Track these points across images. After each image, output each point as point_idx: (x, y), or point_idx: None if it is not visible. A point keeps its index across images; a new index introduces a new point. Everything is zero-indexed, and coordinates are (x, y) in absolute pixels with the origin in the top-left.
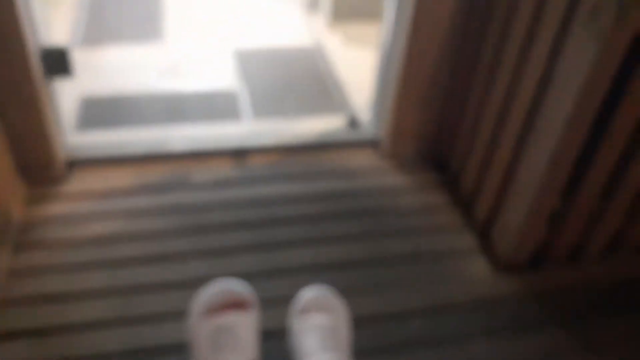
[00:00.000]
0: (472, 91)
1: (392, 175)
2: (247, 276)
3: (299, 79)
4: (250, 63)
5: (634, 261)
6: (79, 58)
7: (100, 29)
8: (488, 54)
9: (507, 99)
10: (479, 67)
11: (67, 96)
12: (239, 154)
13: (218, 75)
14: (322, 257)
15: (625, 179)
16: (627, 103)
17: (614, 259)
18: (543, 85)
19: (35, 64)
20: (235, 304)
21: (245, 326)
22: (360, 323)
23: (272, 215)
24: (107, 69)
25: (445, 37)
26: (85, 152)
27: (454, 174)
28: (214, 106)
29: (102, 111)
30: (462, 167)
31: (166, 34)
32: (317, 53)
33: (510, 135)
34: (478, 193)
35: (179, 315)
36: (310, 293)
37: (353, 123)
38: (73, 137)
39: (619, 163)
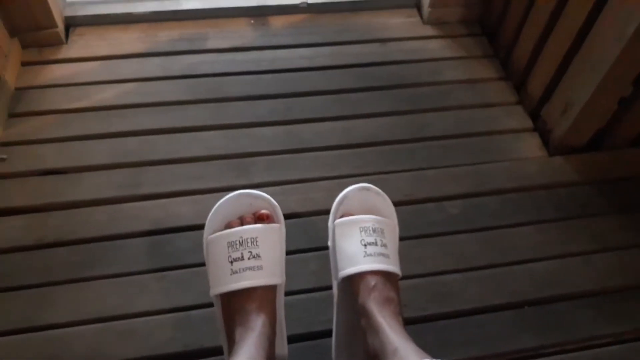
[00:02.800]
0: None
1: (433, 43)
2: (270, 152)
3: None
4: None
5: None
6: None
7: None
8: None
9: None
10: None
11: None
12: (260, 15)
13: None
14: (353, 132)
15: None
16: None
17: None
18: None
19: None
20: (257, 217)
21: (269, 241)
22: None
23: (297, 85)
24: None
25: None
26: (86, 11)
27: (505, 44)
28: None
29: None
30: (515, 36)
31: None
32: None
33: (580, 3)
34: (533, 66)
35: (196, 192)
36: (352, 192)
37: None
38: None
39: None
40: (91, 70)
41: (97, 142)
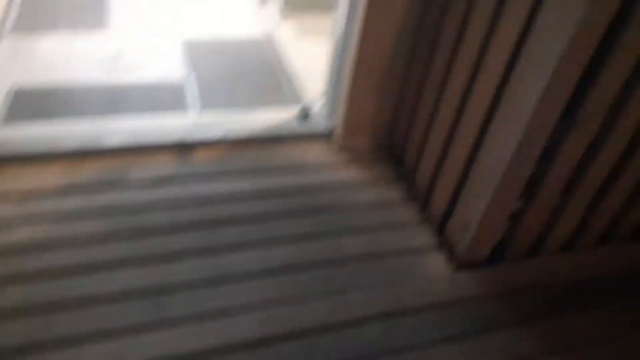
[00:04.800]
0: (429, 81)
1: (345, 170)
2: (189, 285)
3: (250, 71)
4: (199, 54)
5: (593, 255)
6: (10, 46)
7: (36, 15)
8: (448, 40)
9: (468, 87)
10: (436, 56)
11: None
12: (182, 149)
13: (165, 66)
14: (272, 260)
15: (588, 173)
16: (599, 87)
17: (574, 254)
18: (510, 66)
19: None
20: None
21: None
22: (314, 333)
23: (218, 216)
24: (44, 59)
25: (400, 26)
26: (10, 148)
27: (410, 168)
28: (159, 98)
29: (33, 103)
30: (418, 161)
31: (110, 23)
32: (269, 44)
33: (471, 127)
34: (434, 188)
35: (106, 337)
36: None
37: (305, 115)
38: None
39: (583, 157)
40: (12, 207)
41: (9, 285)
